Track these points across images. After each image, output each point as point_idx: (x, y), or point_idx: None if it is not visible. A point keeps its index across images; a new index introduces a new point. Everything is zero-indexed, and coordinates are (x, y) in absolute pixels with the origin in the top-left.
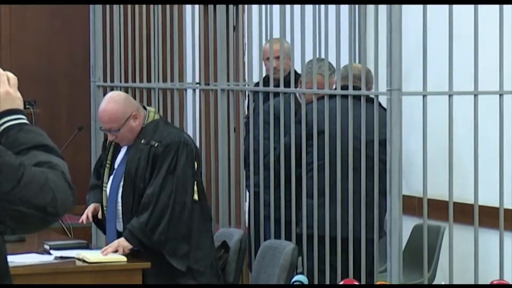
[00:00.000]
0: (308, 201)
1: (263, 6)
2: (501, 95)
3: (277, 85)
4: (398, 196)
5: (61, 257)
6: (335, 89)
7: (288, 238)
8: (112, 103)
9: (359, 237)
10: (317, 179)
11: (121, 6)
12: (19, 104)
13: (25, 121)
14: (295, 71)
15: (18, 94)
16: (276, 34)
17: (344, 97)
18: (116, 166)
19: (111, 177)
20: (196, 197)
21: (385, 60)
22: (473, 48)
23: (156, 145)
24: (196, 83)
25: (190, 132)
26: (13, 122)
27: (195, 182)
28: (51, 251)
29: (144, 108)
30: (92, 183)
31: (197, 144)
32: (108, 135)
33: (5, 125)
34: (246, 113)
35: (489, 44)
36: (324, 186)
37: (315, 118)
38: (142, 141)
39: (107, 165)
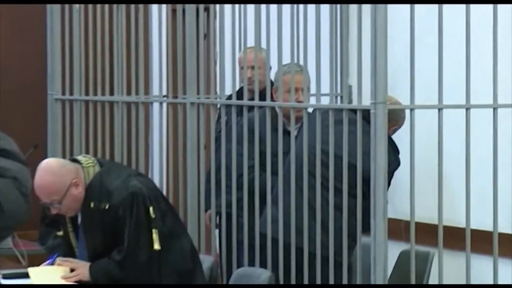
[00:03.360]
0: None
1: (237, 10)
2: (495, 109)
3: (252, 97)
4: (383, 219)
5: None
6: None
7: (263, 265)
8: (47, 175)
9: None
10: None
11: (82, 8)
12: None
13: None
14: (271, 82)
15: None
16: (251, 42)
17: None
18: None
19: (78, 242)
20: (157, 246)
21: (369, 70)
22: (465, 57)
23: (107, 207)
24: (164, 96)
25: (156, 149)
26: None
27: (154, 230)
28: (2, 280)
29: (78, 162)
30: (48, 234)
31: (164, 163)
32: (50, 209)
33: None
34: (218, 127)
35: (482, 53)
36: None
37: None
38: (92, 205)
39: (70, 229)
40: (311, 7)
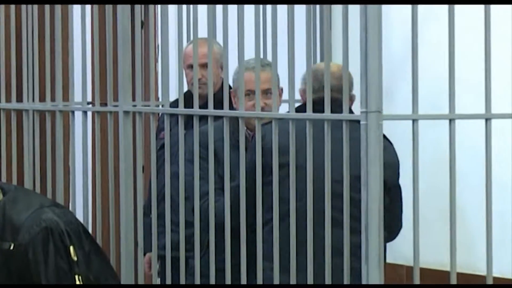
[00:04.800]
0: (266, 264)
1: None
2: None
3: (204, 104)
4: (378, 264)
5: None
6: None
7: None
8: None
9: None
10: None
11: None
12: None
13: None
14: (229, 86)
15: None
16: (203, 33)
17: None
18: None
19: None
20: None
21: (358, 70)
22: (484, 60)
23: (11, 247)
24: (88, 103)
25: (79, 172)
26: None
27: (78, 277)
28: None
29: None
30: None
31: (89, 190)
32: None
33: None
34: (159, 143)
35: (500, 51)
36: (289, 245)
37: (275, 145)
38: None
39: None
40: None
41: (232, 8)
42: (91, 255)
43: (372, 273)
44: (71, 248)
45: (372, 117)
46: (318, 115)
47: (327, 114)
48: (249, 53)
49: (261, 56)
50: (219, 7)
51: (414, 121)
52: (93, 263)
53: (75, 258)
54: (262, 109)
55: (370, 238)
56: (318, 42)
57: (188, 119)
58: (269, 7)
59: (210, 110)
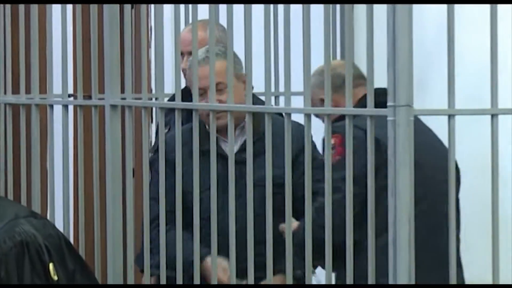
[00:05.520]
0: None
1: None
2: None
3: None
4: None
5: None
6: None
7: None
8: None
9: None
10: None
11: None
12: None
13: None
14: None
15: None
16: (204, 14)
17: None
18: None
19: None
20: None
21: (384, 58)
22: None
23: None
24: (70, 96)
25: (58, 175)
26: None
27: None
28: None
29: None
30: None
31: (71, 196)
32: None
33: None
34: (153, 142)
35: None
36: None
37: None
38: None
39: None
40: None
41: None
42: (76, 274)
43: None
44: (51, 265)
45: (401, 112)
46: (338, 110)
47: (349, 108)
48: (257, 43)
49: (272, 47)
50: None
51: (451, 116)
52: (77, 282)
53: (55, 278)
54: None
55: (399, 255)
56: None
57: (189, 115)
58: None
59: (213, 104)
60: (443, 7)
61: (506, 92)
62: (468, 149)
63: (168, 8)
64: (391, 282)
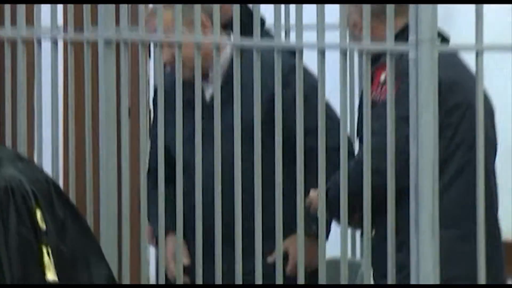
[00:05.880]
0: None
1: None
2: None
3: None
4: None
5: None
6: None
7: None
8: None
9: None
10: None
11: None
12: None
13: None
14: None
15: None
16: None
17: None
18: None
19: None
20: (51, 276)
21: None
22: None
23: None
24: (58, 28)
25: (47, 117)
26: None
27: (45, 248)
28: None
29: None
30: None
31: (60, 139)
32: None
33: None
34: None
35: None
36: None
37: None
38: None
39: None
40: None
41: None
42: (66, 221)
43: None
44: (38, 212)
45: (424, 48)
46: (348, 44)
47: (367, 43)
48: None
49: None
50: None
51: (479, 52)
52: (68, 231)
53: (43, 226)
54: None
55: (421, 205)
56: None
57: None
58: None
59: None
60: None
61: None
62: (497, 90)
63: None
64: (412, 234)
